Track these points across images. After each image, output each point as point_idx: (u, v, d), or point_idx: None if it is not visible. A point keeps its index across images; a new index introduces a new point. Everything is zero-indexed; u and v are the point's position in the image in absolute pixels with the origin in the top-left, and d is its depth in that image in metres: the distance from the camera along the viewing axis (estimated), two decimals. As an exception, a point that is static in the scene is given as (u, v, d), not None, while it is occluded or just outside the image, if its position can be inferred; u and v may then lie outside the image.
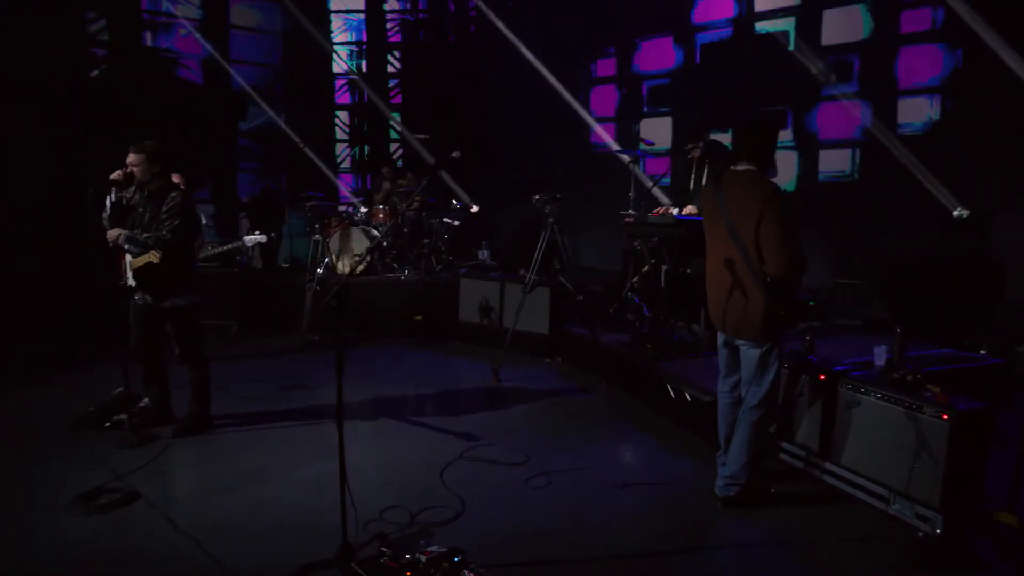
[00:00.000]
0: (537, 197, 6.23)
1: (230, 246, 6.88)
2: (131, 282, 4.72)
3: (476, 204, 11.07)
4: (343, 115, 14.92)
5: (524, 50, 11.88)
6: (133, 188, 4.79)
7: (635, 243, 6.55)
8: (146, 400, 5.12)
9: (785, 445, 4.10)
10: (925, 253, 8.20)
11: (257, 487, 4.09)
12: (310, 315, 7.61)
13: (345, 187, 13.69)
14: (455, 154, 3.17)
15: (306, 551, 3.33)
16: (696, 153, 5.62)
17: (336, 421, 3.13)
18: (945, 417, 3.21)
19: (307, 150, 10.72)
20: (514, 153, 12.67)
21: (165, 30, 11.32)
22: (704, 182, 5.59)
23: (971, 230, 7.25)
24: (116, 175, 4.68)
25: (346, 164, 14.41)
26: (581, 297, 8.38)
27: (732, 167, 3.64)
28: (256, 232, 6.64)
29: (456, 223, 9.16)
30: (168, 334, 4.88)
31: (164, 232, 4.57)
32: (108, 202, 4.70)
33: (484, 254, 9.46)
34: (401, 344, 7.66)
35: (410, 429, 5.08)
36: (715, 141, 5.75)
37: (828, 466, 3.78)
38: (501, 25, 12.31)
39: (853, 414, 3.67)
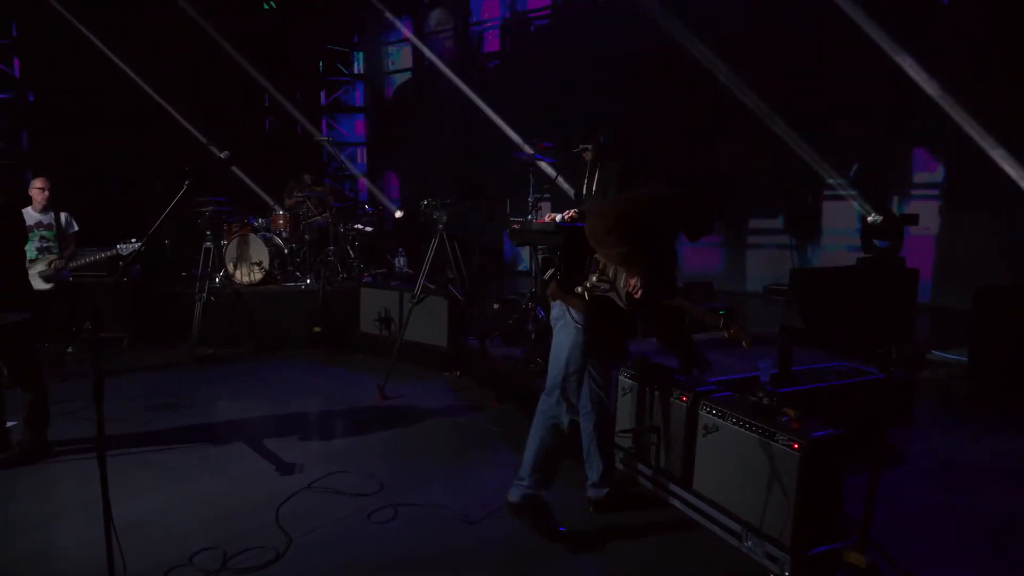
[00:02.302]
0: (425, 203, 5.86)
1: (104, 255, 6.38)
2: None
3: (401, 210, 10.71)
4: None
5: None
6: None
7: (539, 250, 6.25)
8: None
9: (643, 468, 3.77)
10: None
11: (62, 528, 3.65)
12: (199, 327, 7.15)
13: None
14: (223, 155, 2.78)
15: (80, 607, 2.91)
16: (587, 155, 5.29)
17: (98, 458, 2.67)
18: (795, 446, 2.90)
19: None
20: (454, 158, 12.43)
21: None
22: (594, 186, 5.27)
23: (885, 236, 7.07)
24: None
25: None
26: (497, 306, 8.05)
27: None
28: (132, 240, 6.17)
29: (368, 229, 8.75)
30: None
31: None
32: None
33: (400, 262, 9.07)
34: (297, 357, 7.25)
35: (268, 454, 4.65)
36: (609, 143, 5.43)
37: (686, 495, 3.46)
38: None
39: (711, 440, 3.36)
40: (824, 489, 2.94)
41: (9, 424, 4.67)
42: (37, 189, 6.36)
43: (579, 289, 3.44)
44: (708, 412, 3.38)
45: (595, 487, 3.71)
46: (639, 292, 3.22)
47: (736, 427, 3.21)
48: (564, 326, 3.46)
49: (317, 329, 7.50)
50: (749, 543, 3.05)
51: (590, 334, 3.40)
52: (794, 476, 2.89)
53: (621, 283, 3.34)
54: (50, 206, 6.36)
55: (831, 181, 8.84)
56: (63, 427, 4.82)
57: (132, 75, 11.42)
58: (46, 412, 4.59)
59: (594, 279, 3.40)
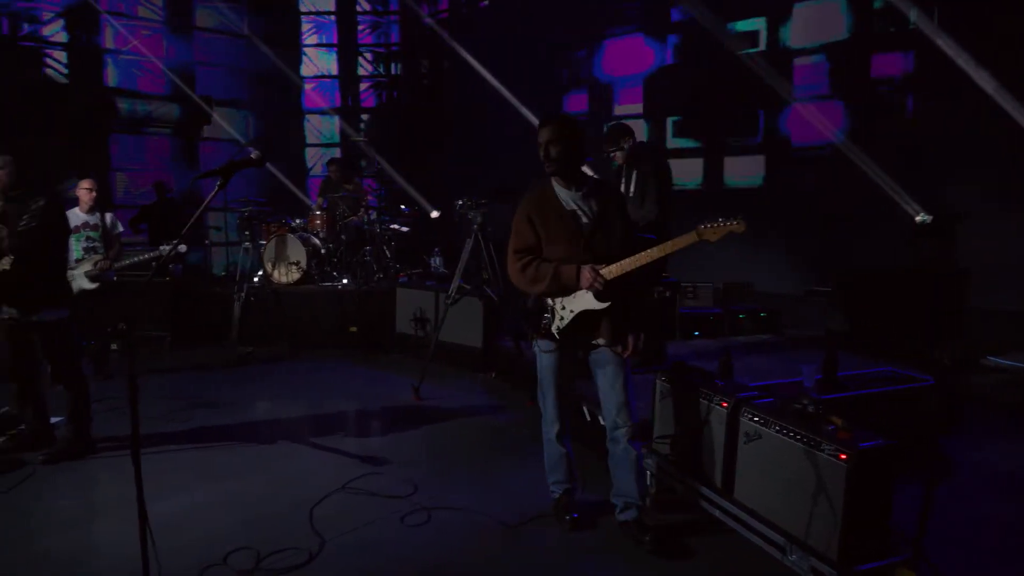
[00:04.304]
0: (460, 203, 5.82)
1: (147, 255, 6.49)
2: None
3: (438, 210, 10.70)
4: (314, 119, 14.63)
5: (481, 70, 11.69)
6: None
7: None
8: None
9: (684, 477, 3.66)
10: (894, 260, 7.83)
11: (101, 523, 3.71)
12: (238, 327, 7.23)
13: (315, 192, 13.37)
14: (254, 154, 2.77)
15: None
16: (618, 157, 5.19)
17: (132, 454, 2.68)
18: (843, 456, 2.78)
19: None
20: (490, 158, 12.40)
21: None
22: (631, 189, 5.17)
23: (935, 236, 6.81)
24: None
25: (318, 169, 14.10)
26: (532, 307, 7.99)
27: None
28: (173, 241, 6.25)
29: (404, 229, 8.76)
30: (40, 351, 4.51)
31: (19, 232, 4.18)
32: None
33: (436, 261, 9.05)
34: (334, 357, 7.29)
35: (304, 453, 4.68)
36: (641, 144, 5.32)
37: (728, 505, 3.35)
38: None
39: (754, 448, 3.24)
40: (873, 502, 2.81)
41: (54, 420, 4.78)
42: (84, 190, 6.48)
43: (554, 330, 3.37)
44: (750, 419, 3.26)
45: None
46: (597, 282, 3.15)
47: (779, 435, 3.09)
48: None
49: (353, 329, 7.53)
50: (793, 557, 2.93)
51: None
52: (841, 488, 2.77)
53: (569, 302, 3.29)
54: (96, 207, 6.49)
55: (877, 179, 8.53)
56: (106, 424, 4.90)
57: (174, 78, 11.68)
58: (88, 409, 4.67)
59: (553, 320, 3.36)
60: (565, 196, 3.32)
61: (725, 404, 3.42)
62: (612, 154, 5.15)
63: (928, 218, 6.84)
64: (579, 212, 3.30)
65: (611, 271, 3.19)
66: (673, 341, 6.19)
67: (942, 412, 4.08)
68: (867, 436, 2.85)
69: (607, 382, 3.38)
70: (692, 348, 6.05)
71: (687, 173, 9.61)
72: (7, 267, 4.15)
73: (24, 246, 4.17)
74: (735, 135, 9.45)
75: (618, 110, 10.75)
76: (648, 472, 3.91)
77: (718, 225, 3.04)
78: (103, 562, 3.34)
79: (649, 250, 3.14)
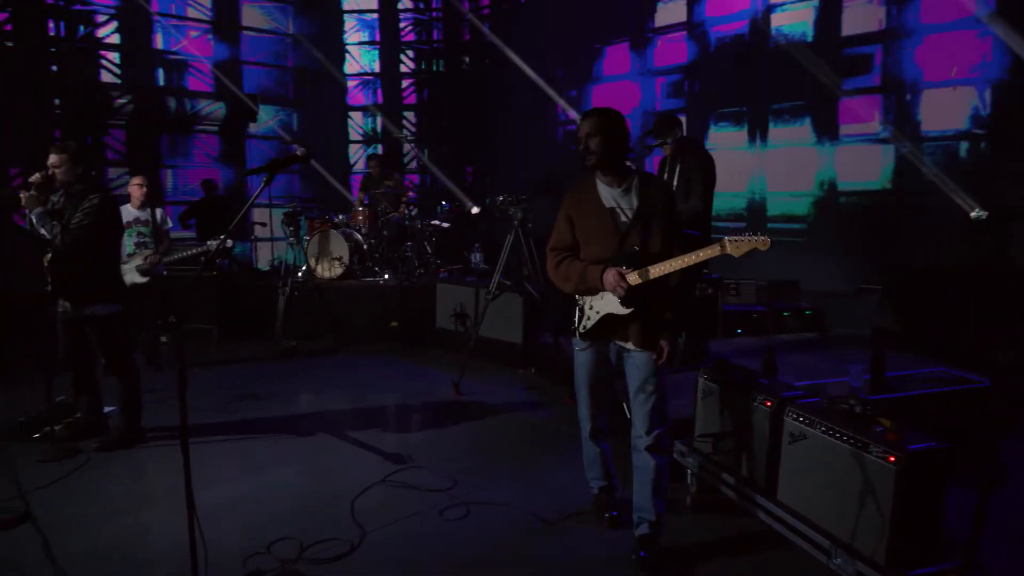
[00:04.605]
0: (501, 199, 5.83)
1: (195, 250, 6.66)
2: (48, 287, 4.50)
3: (478, 206, 10.73)
4: (357, 115, 14.80)
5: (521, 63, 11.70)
6: (60, 193, 4.56)
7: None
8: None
9: (723, 475, 3.61)
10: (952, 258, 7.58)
11: (151, 511, 3.81)
12: (282, 321, 7.37)
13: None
14: (299, 151, 2.80)
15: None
16: (666, 150, 5.12)
17: (181, 444, 2.75)
18: (892, 459, 2.70)
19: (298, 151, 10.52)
20: (532, 154, 12.40)
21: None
22: (675, 182, 5.10)
23: (991, 233, 6.58)
24: (35, 177, 4.44)
25: (360, 165, 14.27)
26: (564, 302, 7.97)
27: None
28: (221, 236, 6.41)
29: (445, 225, 8.81)
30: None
31: (70, 229, 4.32)
32: (32, 217, 4.42)
33: (477, 257, 9.08)
34: (375, 351, 7.37)
35: (345, 447, 4.74)
36: (687, 138, 5.25)
37: (771, 506, 3.28)
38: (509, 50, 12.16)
39: (798, 448, 3.17)
40: (923, 506, 2.73)
41: (107, 410, 4.93)
42: (136, 186, 6.68)
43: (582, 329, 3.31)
44: (794, 419, 3.20)
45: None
46: (620, 286, 3.05)
47: (825, 436, 3.02)
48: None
49: (394, 324, 7.61)
50: (838, 560, 2.87)
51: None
52: (890, 491, 2.69)
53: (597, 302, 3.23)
54: (147, 203, 6.68)
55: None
56: (156, 414, 5.03)
57: (221, 77, 11.93)
58: (139, 400, 4.81)
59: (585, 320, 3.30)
60: (606, 193, 3.21)
61: (769, 403, 3.36)
62: (661, 146, 5.08)
63: (984, 214, 6.61)
64: (618, 210, 3.18)
65: (635, 278, 3.06)
66: (715, 339, 6.10)
67: (998, 415, 3.93)
68: (917, 438, 2.76)
69: (634, 387, 3.25)
70: (734, 346, 5.96)
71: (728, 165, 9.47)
72: (47, 262, 4.29)
73: (74, 242, 4.31)
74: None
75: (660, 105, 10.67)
76: (689, 471, 3.87)
77: (744, 240, 2.91)
78: (153, 547, 3.44)
79: (673, 259, 3.02)
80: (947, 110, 7.69)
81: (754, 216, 9.54)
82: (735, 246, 2.93)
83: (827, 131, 8.77)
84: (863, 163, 8.50)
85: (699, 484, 3.82)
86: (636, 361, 3.22)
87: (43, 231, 4.35)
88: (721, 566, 3.25)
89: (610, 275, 3.09)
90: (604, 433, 3.58)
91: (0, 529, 3.59)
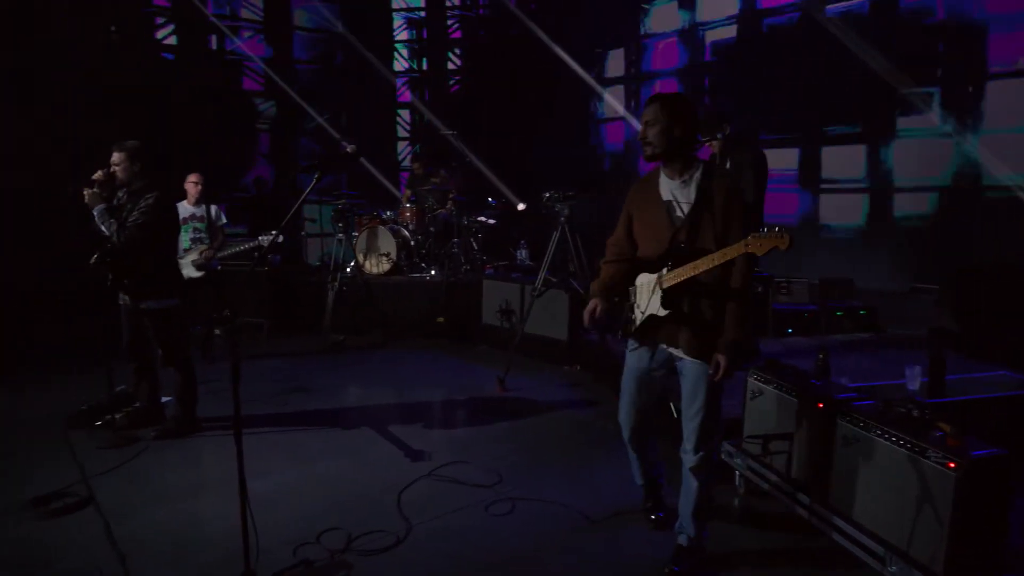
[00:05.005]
0: (547, 195, 5.82)
1: (248, 246, 6.82)
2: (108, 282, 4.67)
3: (524, 202, 10.72)
4: (404, 113, 14.95)
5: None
6: (123, 190, 4.71)
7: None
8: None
9: (773, 478, 3.53)
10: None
11: (205, 498, 3.92)
12: (331, 315, 7.49)
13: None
14: (349, 148, 2.83)
15: (220, 574, 3.10)
16: (714, 146, 5.05)
17: (235, 435, 2.83)
18: (952, 465, 2.61)
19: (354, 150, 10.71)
20: (579, 151, 12.37)
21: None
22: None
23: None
24: (98, 175, 4.61)
25: (408, 162, 14.40)
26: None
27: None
28: (271, 232, 6.55)
29: (491, 222, 8.85)
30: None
31: (127, 227, 4.47)
32: (94, 214, 4.58)
33: (522, 254, 9.09)
34: (421, 346, 7.44)
35: (391, 440, 4.80)
36: (737, 134, 5.15)
37: (823, 511, 3.21)
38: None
39: (852, 452, 3.09)
40: (984, 514, 2.63)
41: (164, 399, 5.09)
42: (191, 184, 6.88)
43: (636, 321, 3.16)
44: (848, 422, 3.12)
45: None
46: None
47: (881, 440, 2.94)
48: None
49: (441, 319, 7.67)
50: (893, 568, 2.79)
51: None
52: (949, 498, 2.60)
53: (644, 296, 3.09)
54: (202, 199, 6.86)
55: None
56: (210, 405, 5.16)
57: (274, 76, 12.18)
58: (195, 391, 4.95)
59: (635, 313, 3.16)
60: (667, 185, 3.02)
61: (822, 405, 3.28)
62: (708, 143, 5.01)
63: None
64: (675, 203, 2.99)
65: (672, 278, 2.91)
66: (765, 338, 5.98)
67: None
68: (979, 444, 2.67)
69: (685, 397, 3.08)
70: (785, 346, 5.83)
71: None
72: (94, 261, 4.44)
73: (130, 240, 4.45)
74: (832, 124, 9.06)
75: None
76: (737, 473, 3.81)
77: (766, 237, 2.69)
78: (206, 533, 3.54)
79: (703, 258, 2.84)
80: (1014, 103, 7.38)
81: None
82: (758, 243, 2.70)
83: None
84: (923, 158, 8.24)
85: (747, 486, 3.75)
86: (686, 371, 3.06)
87: (103, 228, 4.51)
88: (774, 572, 3.18)
89: (589, 304, 3.15)
90: (642, 440, 3.38)
91: (67, 512, 3.75)
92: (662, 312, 3.00)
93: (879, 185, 8.67)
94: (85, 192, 4.54)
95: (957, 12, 7.80)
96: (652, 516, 3.55)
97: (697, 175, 2.98)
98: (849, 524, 3.05)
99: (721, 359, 2.90)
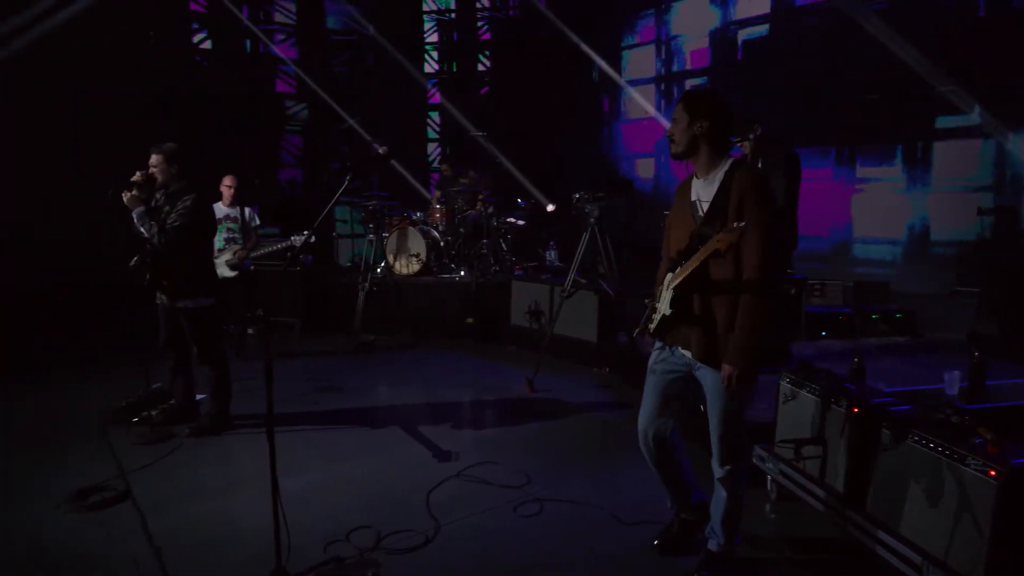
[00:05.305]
0: (577, 196, 5.80)
1: (280, 246, 6.91)
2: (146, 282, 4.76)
3: (553, 203, 10.71)
4: (434, 114, 15.04)
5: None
6: (162, 192, 4.81)
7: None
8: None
9: (807, 483, 3.48)
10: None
11: (238, 495, 3.98)
12: (361, 315, 7.56)
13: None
14: (381, 150, 2.85)
15: (251, 570, 3.14)
16: (745, 147, 4.98)
17: (267, 434, 2.87)
18: (992, 473, 2.55)
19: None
20: (605, 151, 12.34)
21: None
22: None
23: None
24: (136, 177, 4.70)
25: (437, 163, 14.47)
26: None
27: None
28: (303, 232, 6.65)
29: (521, 223, 8.85)
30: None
31: (166, 229, 4.56)
32: (134, 216, 4.67)
33: (551, 255, 9.08)
34: (450, 347, 7.47)
35: (420, 440, 4.82)
36: (768, 136, 5.09)
37: (857, 518, 3.15)
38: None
39: (888, 458, 3.03)
40: (1027, 524, 2.56)
41: (198, 397, 5.18)
42: (226, 186, 7.00)
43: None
44: (884, 427, 3.05)
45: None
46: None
47: (918, 446, 2.87)
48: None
49: (470, 320, 7.69)
50: (930, 577, 2.73)
51: None
52: (989, 507, 2.53)
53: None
54: (236, 201, 6.98)
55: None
56: (243, 403, 5.24)
57: (306, 79, 12.33)
58: (229, 389, 5.03)
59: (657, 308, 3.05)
60: (696, 185, 2.96)
61: (857, 410, 3.22)
62: (740, 144, 4.95)
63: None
64: (699, 203, 2.92)
65: (676, 277, 2.85)
66: (797, 341, 5.89)
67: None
68: (1021, 451, 2.60)
69: (708, 405, 2.97)
70: (818, 348, 5.75)
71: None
72: (134, 264, 4.53)
73: (169, 243, 4.54)
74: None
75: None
76: (768, 477, 3.76)
77: (731, 232, 2.61)
78: (239, 529, 3.59)
79: (694, 255, 2.79)
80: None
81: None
82: (723, 240, 2.63)
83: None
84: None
85: (779, 491, 3.70)
86: (703, 378, 2.96)
87: (142, 230, 4.60)
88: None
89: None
90: (659, 447, 3.21)
91: (105, 505, 3.83)
92: (669, 312, 2.94)
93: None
94: (124, 195, 4.63)
95: None
96: (680, 517, 3.39)
97: (721, 173, 2.88)
98: (885, 532, 2.99)
99: (727, 368, 2.79)
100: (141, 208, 4.62)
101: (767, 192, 2.86)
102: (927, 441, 2.84)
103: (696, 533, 3.32)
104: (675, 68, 11.69)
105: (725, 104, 2.93)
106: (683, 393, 3.14)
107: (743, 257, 2.77)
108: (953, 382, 3.53)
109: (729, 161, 2.91)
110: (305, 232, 6.64)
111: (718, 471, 3.03)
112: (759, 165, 4.99)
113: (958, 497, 2.67)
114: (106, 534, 3.53)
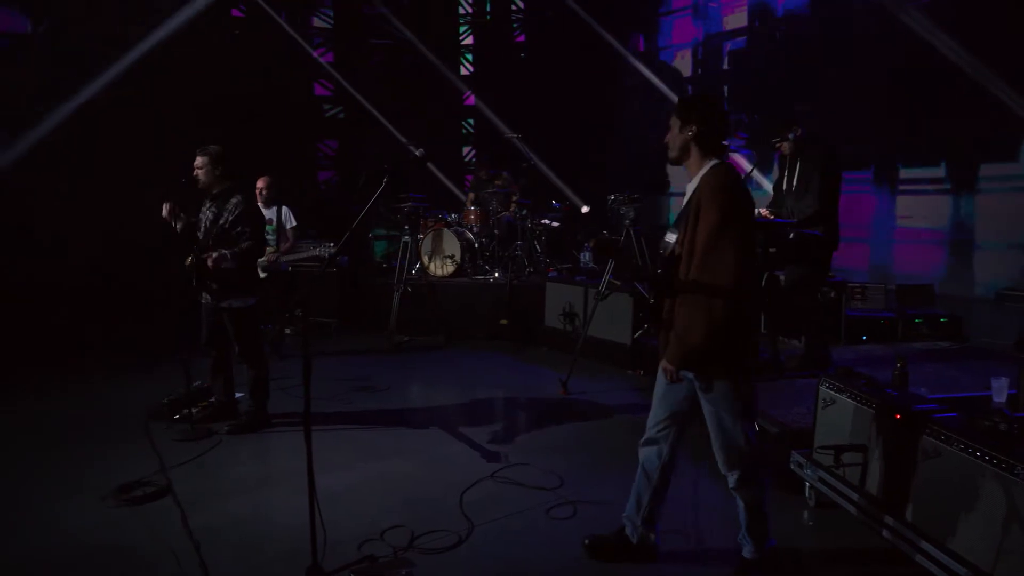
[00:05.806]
0: (612, 198, 5.78)
1: (315, 252, 7.00)
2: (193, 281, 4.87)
3: (587, 205, 10.68)
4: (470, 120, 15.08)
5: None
6: (209, 203, 4.91)
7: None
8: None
9: (846, 490, 3.40)
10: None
11: (275, 492, 4.04)
12: (396, 316, 7.62)
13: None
14: (418, 152, 2.87)
15: (287, 566, 3.19)
16: (784, 147, 4.91)
17: (304, 432, 2.90)
18: (1043, 483, 2.46)
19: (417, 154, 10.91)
20: (637, 153, 12.25)
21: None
22: (795, 181, 4.88)
23: None
24: (165, 212, 4.82)
25: (472, 164, 14.52)
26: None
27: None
28: (329, 244, 6.78)
29: (555, 225, 8.84)
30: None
31: (245, 244, 4.71)
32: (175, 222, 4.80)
33: (586, 257, 9.06)
34: (485, 348, 7.49)
35: (454, 440, 4.85)
36: (808, 134, 5.00)
37: (899, 527, 3.07)
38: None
39: (932, 467, 2.95)
40: (1080, 537, 2.47)
41: (237, 396, 5.28)
42: (260, 188, 7.11)
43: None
44: (928, 435, 2.97)
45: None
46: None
47: (964, 455, 2.79)
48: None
49: (504, 322, 7.71)
50: (976, 590, 2.64)
51: None
52: (1040, 518, 2.45)
53: None
54: (271, 202, 7.09)
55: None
56: (280, 401, 5.34)
57: (342, 81, 12.48)
58: (267, 387, 5.11)
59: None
60: (687, 187, 3.01)
61: (899, 416, 3.14)
62: (777, 144, 4.89)
63: None
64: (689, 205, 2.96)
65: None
66: (837, 345, 5.78)
67: None
68: (1074, 462, 2.50)
69: (705, 414, 2.96)
70: (859, 353, 5.62)
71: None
72: (189, 262, 4.65)
73: (244, 253, 4.66)
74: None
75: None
76: (807, 484, 3.69)
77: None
78: (275, 525, 3.64)
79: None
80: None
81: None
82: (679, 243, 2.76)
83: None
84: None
85: (818, 498, 3.63)
86: (699, 384, 2.92)
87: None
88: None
89: None
90: (658, 453, 3.19)
91: (147, 500, 3.92)
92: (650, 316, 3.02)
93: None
94: (176, 225, 4.79)
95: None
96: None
97: (703, 173, 2.89)
98: (929, 542, 2.91)
99: (666, 364, 2.85)
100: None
101: (728, 194, 2.78)
102: (973, 449, 2.76)
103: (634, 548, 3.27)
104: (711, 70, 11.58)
105: (716, 107, 2.94)
106: (687, 400, 3.06)
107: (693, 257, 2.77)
108: (1001, 389, 3.41)
109: (711, 163, 2.90)
110: (331, 244, 6.73)
111: (728, 480, 3.01)
112: (798, 165, 4.90)
113: (1006, 508, 2.59)
114: (147, 528, 3.61)
